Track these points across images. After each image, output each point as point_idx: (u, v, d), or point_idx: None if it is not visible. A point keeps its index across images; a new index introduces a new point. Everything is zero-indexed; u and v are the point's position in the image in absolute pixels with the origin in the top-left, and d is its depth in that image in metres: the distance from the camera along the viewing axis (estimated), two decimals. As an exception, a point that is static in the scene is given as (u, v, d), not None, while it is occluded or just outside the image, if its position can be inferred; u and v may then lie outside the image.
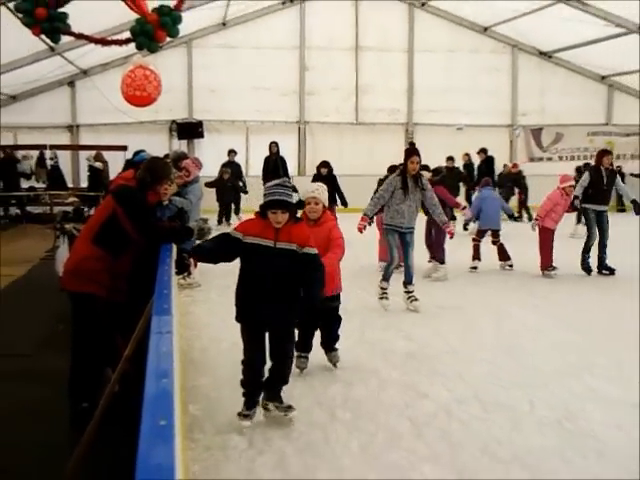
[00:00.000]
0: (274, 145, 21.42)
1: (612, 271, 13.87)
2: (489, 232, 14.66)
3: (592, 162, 21.90)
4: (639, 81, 27.10)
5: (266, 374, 6.40)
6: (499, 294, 12.14)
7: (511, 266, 14.52)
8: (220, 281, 12.88)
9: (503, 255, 14.60)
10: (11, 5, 14.24)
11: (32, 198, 23.64)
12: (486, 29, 27.57)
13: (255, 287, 6.09)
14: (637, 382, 7.71)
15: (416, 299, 10.81)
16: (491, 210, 14.55)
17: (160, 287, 4.90)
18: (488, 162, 23.51)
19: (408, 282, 10.89)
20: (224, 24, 26.07)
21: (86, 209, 21.13)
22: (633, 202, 14.09)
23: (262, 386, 6.37)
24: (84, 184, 24.05)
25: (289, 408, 6.45)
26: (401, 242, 10.97)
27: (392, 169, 14.40)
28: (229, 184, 20.65)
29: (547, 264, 13.80)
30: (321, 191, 7.54)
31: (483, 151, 23.63)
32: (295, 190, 5.97)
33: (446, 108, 26.91)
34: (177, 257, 8.22)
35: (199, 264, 13.04)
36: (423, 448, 5.79)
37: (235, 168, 21.45)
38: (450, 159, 21.25)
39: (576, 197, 13.71)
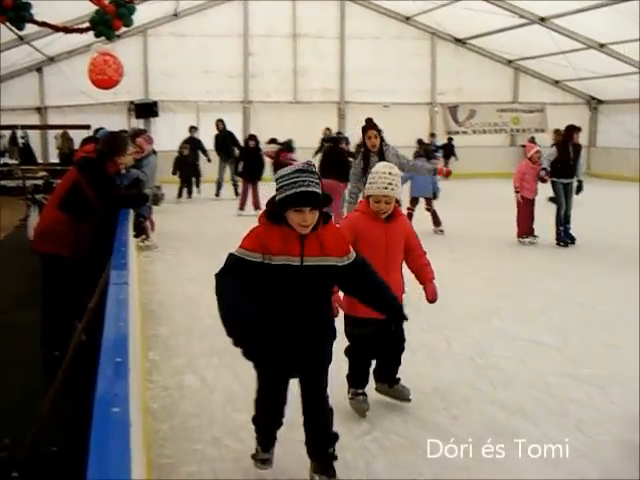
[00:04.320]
0: (220, 122, 21.20)
1: (574, 240, 13.10)
2: (422, 200, 14.26)
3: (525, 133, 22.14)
4: (539, 65, 27.46)
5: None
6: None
7: (442, 231, 14.12)
8: (175, 243, 12.87)
9: (436, 221, 14.25)
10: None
11: (6, 173, 23.23)
12: (408, 18, 27.52)
13: (274, 321, 4.02)
14: (537, 323, 7.90)
15: None
16: (422, 179, 13.61)
17: (118, 245, 4.89)
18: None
19: None
20: (176, 15, 25.69)
21: (54, 182, 20.88)
22: (579, 182, 13.19)
23: (282, 422, 4.40)
24: (53, 160, 23.68)
25: None
26: None
27: (332, 140, 14.72)
28: (189, 160, 20.31)
29: (523, 232, 13.19)
30: (396, 183, 5.13)
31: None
32: (319, 176, 3.93)
33: (374, 88, 26.87)
34: (135, 221, 8.18)
35: (156, 227, 12.99)
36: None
37: (196, 143, 21.14)
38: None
39: (544, 169, 12.86)
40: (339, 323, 4.72)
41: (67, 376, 5.15)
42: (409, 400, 5.45)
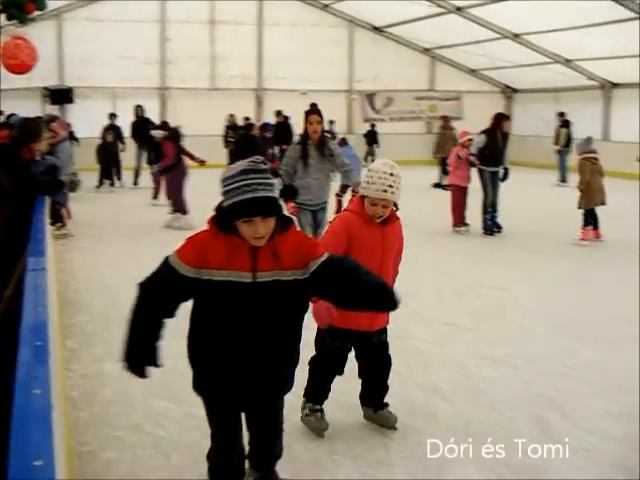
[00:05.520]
0: (139, 108, 20.90)
1: (500, 228, 13.09)
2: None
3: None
4: (455, 53, 27.88)
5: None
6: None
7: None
8: (92, 231, 12.72)
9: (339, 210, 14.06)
10: None
11: None
12: (326, 6, 27.62)
13: (223, 347, 3.38)
14: (452, 305, 8.08)
15: None
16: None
17: (35, 232, 4.84)
18: (285, 124, 22.77)
19: None
20: (91, -1, 25.28)
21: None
22: (505, 169, 13.25)
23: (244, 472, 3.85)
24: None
25: None
26: (313, 221, 8.48)
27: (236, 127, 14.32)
28: (111, 148, 19.70)
29: (457, 221, 13.15)
30: (397, 185, 4.54)
31: (279, 113, 23.39)
32: (275, 174, 3.35)
33: (292, 75, 26.90)
34: (51, 208, 8.07)
35: (74, 216, 12.83)
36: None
37: (116, 131, 20.68)
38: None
39: (471, 154, 12.86)
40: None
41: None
42: (395, 428, 4.94)
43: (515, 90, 30.05)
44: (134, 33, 25.41)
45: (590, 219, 12.27)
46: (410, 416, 5.11)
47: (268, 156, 15.71)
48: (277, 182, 3.26)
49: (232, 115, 23.54)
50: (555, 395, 5.65)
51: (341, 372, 4.90)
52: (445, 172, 19.54)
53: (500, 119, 13.28)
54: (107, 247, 11.41)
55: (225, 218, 3.22)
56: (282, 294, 3.32)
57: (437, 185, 20.36)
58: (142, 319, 3.33)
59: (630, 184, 19.57)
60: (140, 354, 3.32)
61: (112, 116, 21.06)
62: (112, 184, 19.70)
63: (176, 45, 26.22)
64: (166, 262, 3.31)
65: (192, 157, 14.09)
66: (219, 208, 3.29)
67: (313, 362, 4.88)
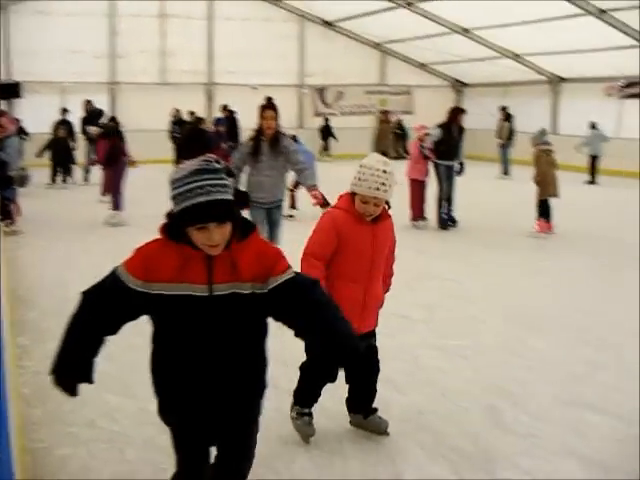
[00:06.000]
0: (88, 103, 20.66)
1: (455, 222, 13.11)
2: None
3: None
4: (406, 48, 28.06)
5: None
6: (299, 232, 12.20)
7: (291, 216, 13.44)
8: (42, 227, 12.59)
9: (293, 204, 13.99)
10: None
11: None
12: (277, 0, 27.56)
13: (182, 370, 3.00)
14: (404, 297, 8.15)
15: None
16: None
17: (-15, 228, 4.79)
18: (231, 119, 22.75)
19: None
20: (39, -9, 24.83)
21: None
22: (461, 164, 13.17)
23: None
24: None
25: None
26: (267, 220, 8.38)
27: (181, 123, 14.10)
28: (63, 143, 19.15)
29: (416, 215, 13.14)
30: (390, 183, 4.33)
31: (225, 108, 23.32)
32: (230, 173, 2.99)
33: (243, 70, 26.72)
34: (0, 204, 7.99)
35: (24, 212, 12.67)
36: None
37: (67, 126, 20.26)
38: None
39: (424, 147, 12.77)
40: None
41: None
42: (387, 434, 4.80)
43: (465, 84, 30.32)
44: (83, 27, 24.97)
45: (544, 210, 12.43)
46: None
47: (223, 151, 15.60)
48: (232, 182, 2.91)
49: (177, 110, 23.27)
50: (506, 384, 5.77)
51: (334, 379, 4.60)
52: None
53: (456, 113, 13.26)
54: (58, 243, 11.30)
55: (176, 225, 2.84)
56: (241, 309, 2.93)
57: None
58: (80, 331, 2.96)
59: (578, 177, 19.93)
60: (72, 369, 2.97)
61: (64, 111, 20.72)
62: (64, 180, 19.41)
63: (126, 39, 25.91)
64: (113, 273, 2.95)
65: (124, 154, 13.75)
66: (170, 214, 2.90)
67: (305, 369, 4.72)
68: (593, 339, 6.99)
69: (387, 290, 4.82)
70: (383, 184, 4.26)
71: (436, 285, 9.02)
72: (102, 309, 2.93)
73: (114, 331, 3.00)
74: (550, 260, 10.59)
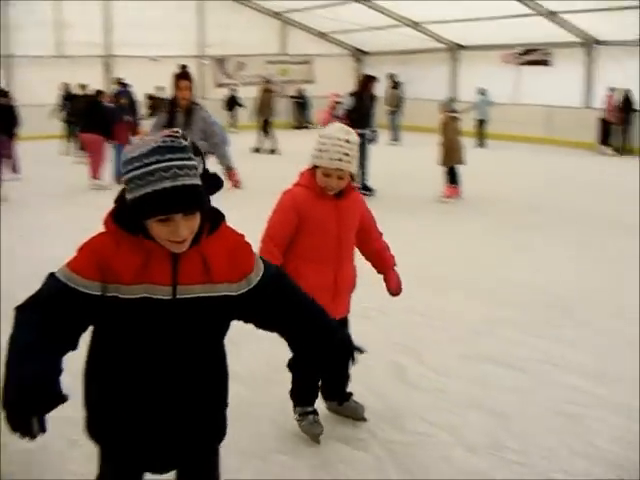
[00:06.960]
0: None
1: (371, 191, 12.80)
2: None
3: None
4: (306, 17, 28.06)
5: None
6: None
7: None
8: None
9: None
10: None
11: None
12: (175, -31, 27.19)
13: (132, 380, 2.47)
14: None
15: None
16: None
17: None
18: (126, 93, 21.83)
19: None
20: None
21: None
22: (373, 132, 13.07)
23: None
24: None
25: None
26: None
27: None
28: None
29: None
30: (353, 154, 4.03)
31: (118, 81, 22.16)
32: (197, 152, 2.43)
33: (141, 41, 26.11)
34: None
35: None
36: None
37: None
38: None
39: (336, 116, 12.56)
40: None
41: None
42: (364, 419, 4.60)
43: (365, 53, 30.52)
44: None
45: (451, 176, 12.69)
46: (267, 367, 5.31)
47: (125, 126, 15.32)
48: (198, 163, 2.40)
49: (66, 84, 22.38)
50: (411, 343, 5.97)
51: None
52: (267, 134, 20.27)
53: (368, 81, 13.24)
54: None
55: (132, 215, 2.28)
56: (209, 315, 2.45)
57: (257, 150, 20.71)
58: (22, 344, 2.26)
59: (468, 142, 20.35)
60: (35, 391, 2.11)
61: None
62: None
63: (19, 10, 25.03)
64: (52, 279, 2.36)
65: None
66: (120, 200, 2.37)
67: (293, 365, 4.43)
68: (494, 296, 7.25)
69: (387, 249, 4.54)
70: (346, 154, 3.94)
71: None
72: (45, 324, 2.28)
73: (73, 346, 2.38)
74: (457, 225, 10.88)
